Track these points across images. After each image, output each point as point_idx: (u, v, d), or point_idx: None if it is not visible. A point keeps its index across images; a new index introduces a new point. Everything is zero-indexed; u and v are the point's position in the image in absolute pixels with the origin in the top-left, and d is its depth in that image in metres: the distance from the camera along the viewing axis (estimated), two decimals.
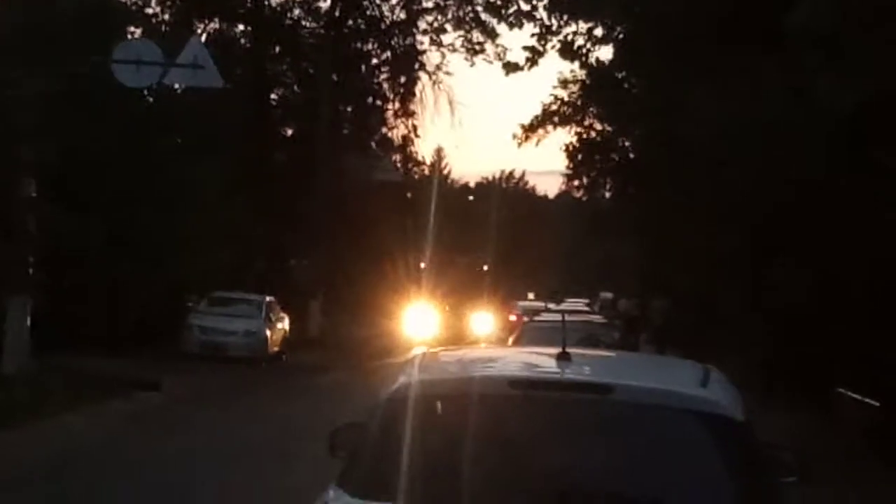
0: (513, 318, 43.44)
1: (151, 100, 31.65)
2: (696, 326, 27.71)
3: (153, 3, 37.38)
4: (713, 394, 5.44)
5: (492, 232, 60.80)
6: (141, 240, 28.04)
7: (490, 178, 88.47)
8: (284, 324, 33.69)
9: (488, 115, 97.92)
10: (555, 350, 5.63)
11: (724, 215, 16.71)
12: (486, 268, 58.54)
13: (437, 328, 37.18)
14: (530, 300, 62.93)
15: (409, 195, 42.26)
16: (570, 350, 5.75)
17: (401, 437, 5.25)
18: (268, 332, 31.62)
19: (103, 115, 25.30)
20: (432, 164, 68.12)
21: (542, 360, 5.87)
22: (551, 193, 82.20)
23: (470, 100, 77.15)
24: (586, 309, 38.06)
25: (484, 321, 46.83)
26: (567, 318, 20.18)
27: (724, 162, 14.63)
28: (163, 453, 14.89)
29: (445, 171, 70.16)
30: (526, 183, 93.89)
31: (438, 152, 67.41)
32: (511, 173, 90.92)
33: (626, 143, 22.32)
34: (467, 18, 37.06)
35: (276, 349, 32.33)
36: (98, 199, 26.66)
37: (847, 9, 11.57)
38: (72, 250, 23.35)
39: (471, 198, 75.66)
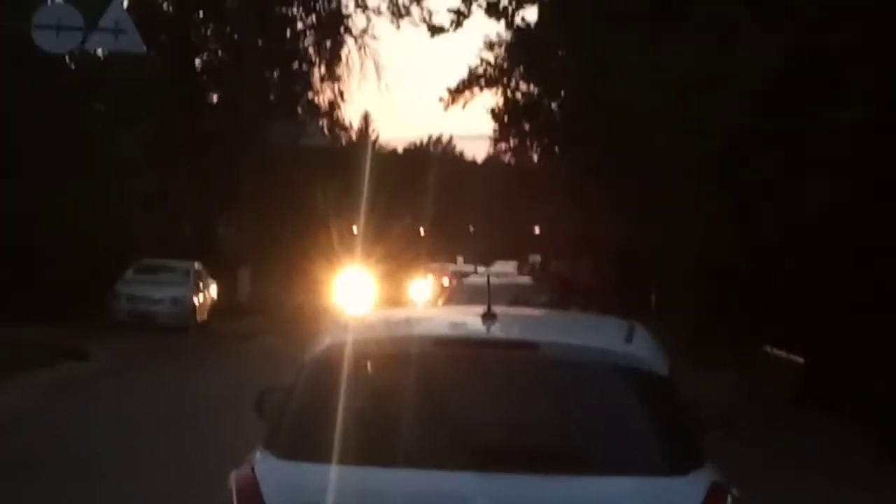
0: (445, 281, 43.44)
1: (73, 66, 31.24)
2: (625, 284, 27.91)
3: None
4: (637, 349, 5.47)
5: (422, 197, 60.71)
6: (63, 207, 27.77)
7: (418, 142, 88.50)
8: (212, 291, 33.43)
9: (416, 79, 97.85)
10: (481, 309, 5.55)
11: (646, 171, 16.71)
12: (422, 232, 58.42)
13: (371, 294, 36.92)
14: (460, 264, 63.05)
15: (334, 160, 41.96)
16: (496, 309, 5.71)
17: (326, 396, 5.16)
18: (195, 300, 31.46)
19: (23, 81, 24.95)
20: (360, 129, 68.04)
21: (468, 319, 5.81)
22: (480, 158, 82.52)
23: (397, 63, 76.80)
24: (513, 271, 38.25)
25: (420, 286, 46.80)
26: (495, 280, 20.11)
27: (644, 116, 14.60)
28: (87, 422, 14.69)
29: (373, 137, 70.03)
30: (454, 147, 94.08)
31: (366, 117, 67.28)
32: (439, 138, 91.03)
33: (552, 105, 22.24)
34: None
35: (204, 317, 32.12)
36: (18, 165, 26.33)
37: None
38: None
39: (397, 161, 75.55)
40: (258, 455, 5.18)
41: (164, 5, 38.72)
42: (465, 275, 30.14)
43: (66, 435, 13.79)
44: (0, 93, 24.23)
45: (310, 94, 41.70)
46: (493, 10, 18.78)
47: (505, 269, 44.47)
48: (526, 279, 22.98)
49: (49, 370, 20.44)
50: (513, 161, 38.06)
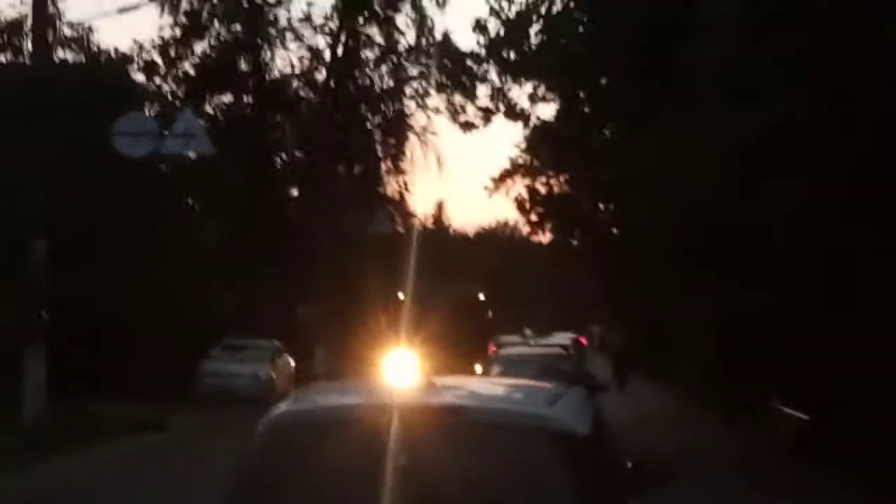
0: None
1: (164, 167, 31.83)
2: (650, 350, 27.71)
3: (170, 81, 37.79)
4: (556, 412, 5.41)
5: (489, 276, 60.39)
6: (155, 291, 28.15)
7: (487, 227, 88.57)
8: (291, 367, 33.55)
9: (476, 167, 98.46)
10: (422, 379, 5.68)
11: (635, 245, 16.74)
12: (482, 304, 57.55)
13: (419, 366, 36.50)
14: (526, 335, 62.45)
15: (400, 245, 42.25)
16: (436, 379, 5.76)
17: (274, 465, 5.25)
18: (274, 375, 31.52)
19: (115, 181, 25.45)
20: (435, 216, 68.42)
21: (406, 387, 5.79)
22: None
23: (459, 152, 77.49)
24: (567, 342, 38.03)
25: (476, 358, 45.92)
26: (531, 351, 20.07)
27: (628, 200, 14.70)
28: (153, 486, 14.92)
29: (446, 223, 70.30)
30: (519, 231, 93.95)
31: (440, 205, 67.64)
32: (506, 223, 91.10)
33: (565, 189, 22.38)
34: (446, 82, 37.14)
35: (283, 390, 32.21)
36: (113, 254, 26.77)
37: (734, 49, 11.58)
38: (83, 303, 23.41)
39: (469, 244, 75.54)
40: None
41: (248, 110, 39.48)
42: (505, 345, 29.84)
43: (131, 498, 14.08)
44: (100, 194, 24.71)
45: (378, 187, 42.15)
46: (511, 114, 19.17)
47: (560, 340, 44.12)
48: (556, 349, 22.66)
49: (129, 441, 20.78)
50: (549, 241, 37.93)
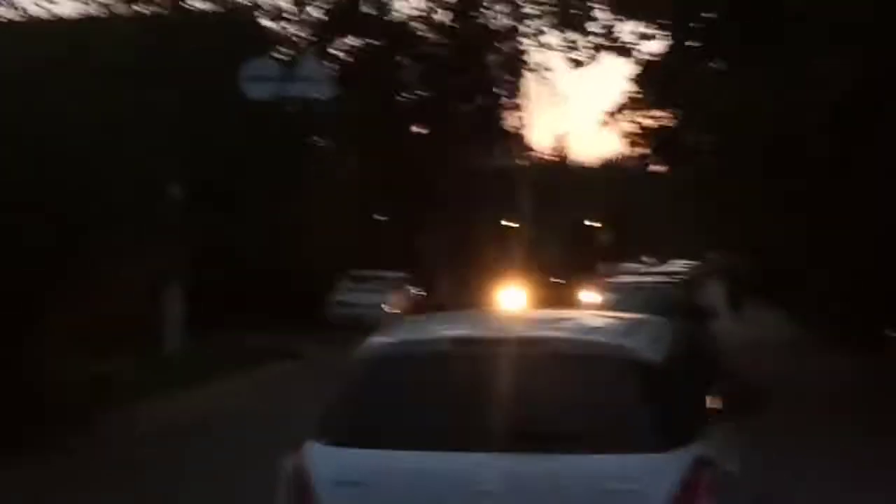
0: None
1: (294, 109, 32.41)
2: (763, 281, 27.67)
3: (296, 26, 38.39)
4: (631, 341, 5.62)
5: (610, 206, 59.94)
6: (284, 227, 28.89)
7: (607, 159, 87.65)
8: (413, 296, 34.15)
9: (595, 102, 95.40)
10: (508, 311, 6.10)
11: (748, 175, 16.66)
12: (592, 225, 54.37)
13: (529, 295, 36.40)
14: (644, 262, 62.07)
15: (521, 177, 42.47)
16: (519, 311, 6.21)
17: (369, 390, 5.56)
18: (397, 304, 32.13)
19: (245, 124, 26.14)
20: (555, 149, 68.30)
21: (491, 320, 6.06)
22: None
23: (583, 88, 76.37)
24: (671, 271, 37.63)
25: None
26: (643, 280, 20.33)
27: (736, 140, 14.82)
28: (297, 407, 15.72)
29: (565, 156, 70.07)
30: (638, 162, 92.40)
31: (559, 139, 67.53)
32: (626, 155, 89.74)
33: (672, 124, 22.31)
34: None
35: (408, 316, 32.85)
36: (251, 198, 27.51)
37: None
38: (219, 243, 24.25)
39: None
40: (309, 443, 5.48)
41: (372, 51, 39.94)
42: (622, 273, 29.78)
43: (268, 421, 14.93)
44: (232, 137, 25.36)
45: (498, 122, 42.39)
46: (617, 49, 19.29)
47: (676, 268, 43.89)
48: (664, 279, 22.71)
49: (268, 368, 21.75)
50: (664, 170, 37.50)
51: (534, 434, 5.09)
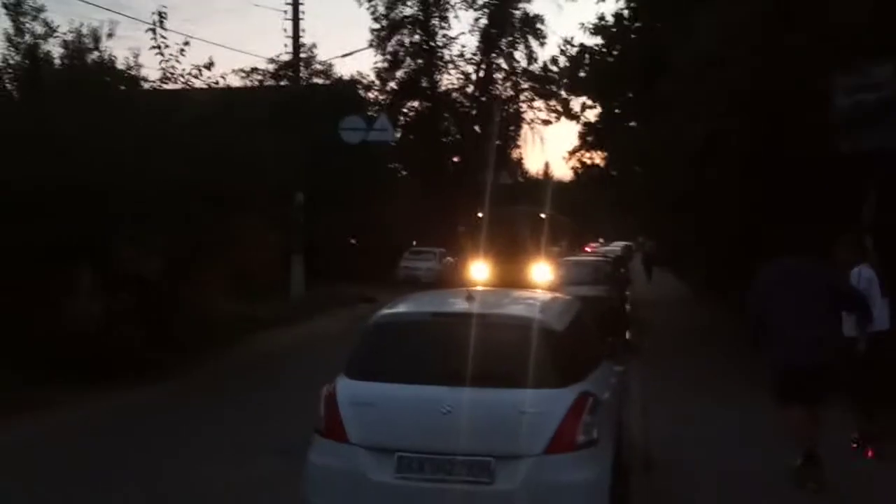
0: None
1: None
2: (667, 255, 27.27)
3: (381, 94, 38.28)
4: (544, 315, 5.44)
5: (575, 206, 58.68)
6: (371, 221, 28.88)
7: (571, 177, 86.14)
8: (450, 264, 33.92)
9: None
10: (466, 292, 5.73)
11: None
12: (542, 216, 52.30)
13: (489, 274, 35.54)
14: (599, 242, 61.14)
15: (518, 191, 42.12)
16: (475, 291, 5.90)
17: (376, 344, 5.44)
18: (440, 268, 31.95)
19: (345, 156, 26.00)
20: (543, 172, 67.49)
21: (458, 300, 5.78)
22: None
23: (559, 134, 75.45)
24: (609, 251, 36.61)
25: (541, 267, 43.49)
26: (585, 258, 19.22)
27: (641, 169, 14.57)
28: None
29: (551, 176, 69.18)
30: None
31: (546, 165, 66.81)
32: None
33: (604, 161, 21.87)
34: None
35: (446, 277, 32.70)
36: (344, 199, 27.46)
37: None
38: (328, 231, 24.25)
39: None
40: (339, 377, 5.32)
41: (426, 111, 39.71)
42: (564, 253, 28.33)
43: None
44: (336, 164, 25.21)
45: (504, 155, 42.01)
46: (568, 116, 19.08)
47: (612, 248, 42.91)
48: (603, 258, 22.09)
49: (354, 309, 21.51)
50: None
51: (479, 375, 4.95)
